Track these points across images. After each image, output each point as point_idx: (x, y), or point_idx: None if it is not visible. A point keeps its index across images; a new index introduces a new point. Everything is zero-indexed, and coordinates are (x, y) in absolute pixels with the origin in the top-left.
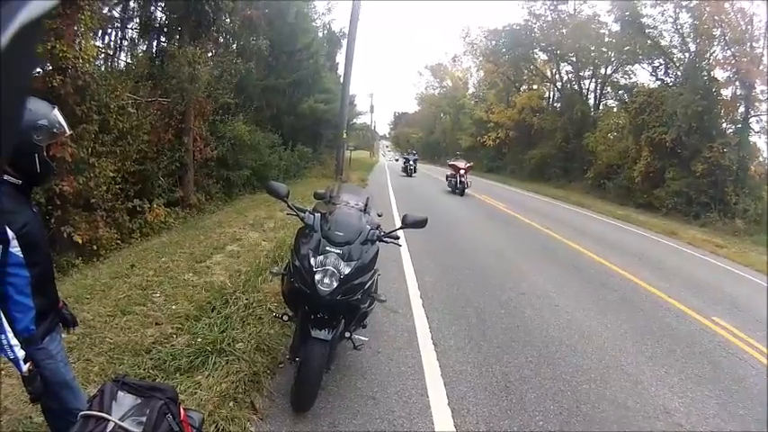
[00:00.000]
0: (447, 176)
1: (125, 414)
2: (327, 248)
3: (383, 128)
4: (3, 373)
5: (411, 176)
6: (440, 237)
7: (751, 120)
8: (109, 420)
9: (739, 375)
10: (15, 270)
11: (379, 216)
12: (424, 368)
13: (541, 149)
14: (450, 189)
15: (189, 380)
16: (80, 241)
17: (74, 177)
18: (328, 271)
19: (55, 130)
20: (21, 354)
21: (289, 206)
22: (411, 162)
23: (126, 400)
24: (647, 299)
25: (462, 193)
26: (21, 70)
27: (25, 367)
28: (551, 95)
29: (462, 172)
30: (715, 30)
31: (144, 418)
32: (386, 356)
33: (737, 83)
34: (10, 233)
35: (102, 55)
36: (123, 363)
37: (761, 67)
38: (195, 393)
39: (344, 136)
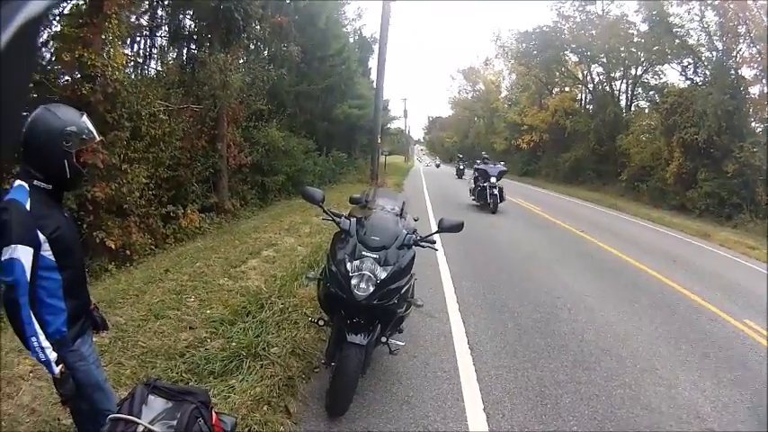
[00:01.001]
0: None
1: (155, 417)
2: (363, 253)
3: (417, 132)
4: (32, 374)
5: (494, 211)
6: (476, 241)
7: None
8: (138, 423)
9: None
10: (47, 273)
11: (416, 220)
12: (460, 373)
13: (575, 152)
14: None
15: (222, 384)
16: (113, 246)
17: (106, 183)
18: (364, 276)
19: (84, 137)
20: (53, 356)
21: (324, 211)
22: (493, 178)
23: (156, 404)
24: (681, 302)
25: None
26: (21, 70)
27: (57, 369)
28: (583, 97)
29: None
30: (740, 27)
31: (174, 422)
32: (422, 361)
33: (764, 80)
34: (41, 237)
35: (132, 63)
36: (156, 366)
37: None
38: (229, 397)
39: (379, 141)
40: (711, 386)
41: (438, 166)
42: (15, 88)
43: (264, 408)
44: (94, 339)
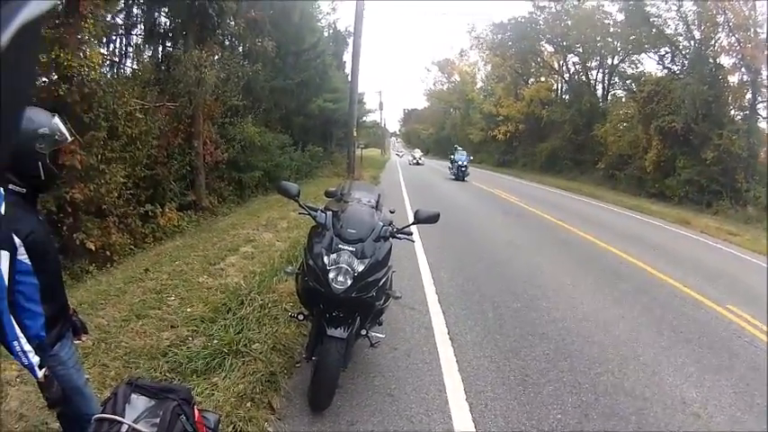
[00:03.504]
0: None
1: (139, 416)
2: (340, 246)
3: (393, 125)
4: (18, 380)
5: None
6: (454, 231)
7: (759, 105)
8: (122, 423)
9: (756, 364)
10: (24, 278)
11: (392, 213)
12: (442, 364)
13: (552, 142)
14: None
15: (206, 382)
16: (93, 248)
17: (84, 184)
18: (342, 269)
19: (57, 138)
20: (35, 360)
21: (300, 205)
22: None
23: (139, 403)
24: (663, 289)
25: None
26: (22, 70)
27: (40, 373)
28: (559, 87)
29: None
30: (719, 16)
31: (157, 420)
32: (403, 353)
33: (743, 69)
34: (17, 241)
35: (108, 62)
36: (139, 366)
37: (765, 53)
38: (212, 395)
39: (355, 134)
40: (695, 371)
41: (417, 161)
42: (16, 90)
43: (248, 404)
44: (77, 342)
